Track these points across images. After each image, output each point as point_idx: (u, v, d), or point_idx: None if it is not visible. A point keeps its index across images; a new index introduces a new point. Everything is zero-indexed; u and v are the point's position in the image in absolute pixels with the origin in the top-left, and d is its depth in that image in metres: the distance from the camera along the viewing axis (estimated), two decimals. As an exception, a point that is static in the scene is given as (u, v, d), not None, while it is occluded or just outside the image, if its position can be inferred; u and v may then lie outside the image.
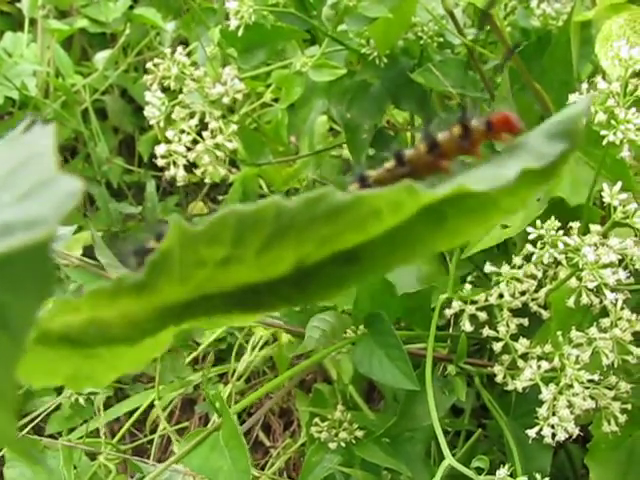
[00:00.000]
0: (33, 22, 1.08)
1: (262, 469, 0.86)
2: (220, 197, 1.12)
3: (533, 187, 0.21)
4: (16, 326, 0.16)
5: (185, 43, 0.98)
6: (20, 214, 0.16)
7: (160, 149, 0.60)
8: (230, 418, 0.48)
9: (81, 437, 0.74)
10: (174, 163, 0.60)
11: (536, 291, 0.55)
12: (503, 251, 0.69)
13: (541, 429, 0.50)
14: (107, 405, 0.92)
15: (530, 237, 0.51)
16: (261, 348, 0.88)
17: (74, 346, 0.19)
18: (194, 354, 0.73)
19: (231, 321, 0.21)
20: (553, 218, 0.51)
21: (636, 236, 0.53)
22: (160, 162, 0.60)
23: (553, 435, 0.50)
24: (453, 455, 0.69)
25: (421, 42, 0.68)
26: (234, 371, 0.88)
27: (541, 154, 0.21)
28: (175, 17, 1.15)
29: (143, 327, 0.19)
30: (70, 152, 1.22)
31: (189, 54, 0.88)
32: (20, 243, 0.15)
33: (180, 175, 0.60)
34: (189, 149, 0.62)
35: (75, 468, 0.69)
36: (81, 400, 0.62)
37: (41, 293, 0.16)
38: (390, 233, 0.19)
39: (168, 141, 0.60)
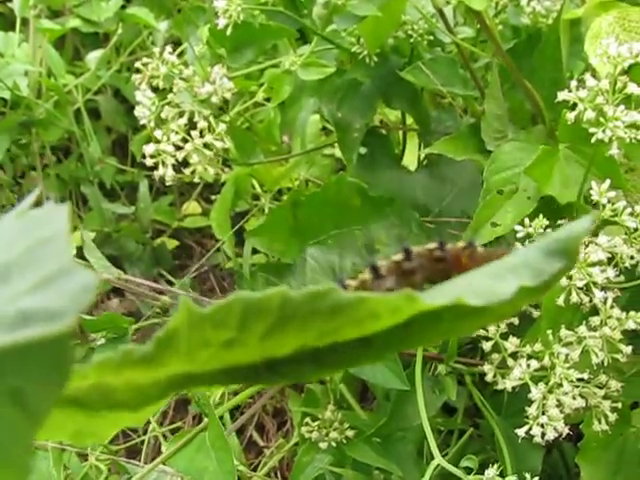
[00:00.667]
0: (25, 22, 1.08)
1: (255, 469, 0.86)
2: (213, 197, 1.12)
3: (528, 299, 0.22)
4: (34, 410, 0.17)
5: (178, 43, 0.98)
6: (38, 304, 0.17)
7: (148, 149, 0.60)
8: (216, 419, 0.48)
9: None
10: (163, 163, 0.60)
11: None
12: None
13: (530, 428, 0.50)
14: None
15: (518, 235, 0.51)
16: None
17: (80, 407, 0.20)
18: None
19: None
20: (541, 216, 0.51)
21: (626, 234, 0.52)
22: (149, 162, 0.60)
23: (543, 434, 0.50)
24: (445, 454, 0.69)
25: (411, 40, 0.67)
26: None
27: (539, 271, 0.21)
28: (168, 17, 1.15)
29: (147, 394, 0.20)
30: (63, 152, 1.22)
31: (181, 54, 0.88)
32: (41, 334, 0.16)
33: (169, 175, 0.59)
34: (179, 148, 0.62)
35: (67, 469, 0.69)
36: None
37: (60, 380, 0.17)
38: (387, 331, 0.20)
39: (157, 141, 0.60)
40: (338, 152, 0.89)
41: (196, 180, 0.63)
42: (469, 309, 0.20)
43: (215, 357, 0.20)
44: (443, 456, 0.61)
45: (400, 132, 0.82)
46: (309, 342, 0.20)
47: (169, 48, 0.63)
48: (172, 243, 1.14)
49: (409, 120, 0.81)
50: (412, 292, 0.19)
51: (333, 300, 0.18)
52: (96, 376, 0.19)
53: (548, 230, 0.51)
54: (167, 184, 0.84)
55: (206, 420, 0.50)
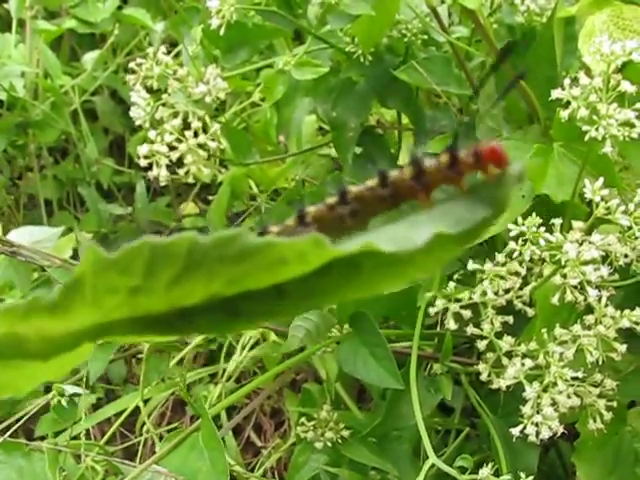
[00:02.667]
0: (21, 23, 1.08)
1: (253, 469, 0.85)
2: (211, 197, 1.12)
3: (449, 249, 0.20)
4: None
5: (175, 44, 0.98)
6: None
7: (142, 149, 0.60)
8: (209, 419, 0.48)
9: (72, 438, 0.73)
10: (157, 163, 0.60)
11: (521, 288, 0.55)
12: (491, 248, 0.69)
13: (525, 427, 0.50)
14: (99, 407, 0.92)
15: (511, 234, 0.51)
16: (251, 348, 0.88)
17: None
18: (181, 354, 0.73)
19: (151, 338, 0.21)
20: (534, 215, 0.51)
21: (621, 233, 0.52)
22: (143, 162, 0.60)
23: (537, 433, 0.50)
24: (442, 454, 0.69)
25: (405, 40, 0.67)
26: (224, 371, 0.88)
27: (460, 219, 0.20)
28: (164, 17, 1.15)
29: (58, 344, 0.20)
30: (61, 153, 1.22)
31: (178, 55, 0.87)
32: None
33: (163, 175, 0.59)
34: (174, 149, 0.62)
35: (64, 470, 0.69)
36: (63, 402, 0.62)
37: None
38: (303, 278, 0.19)
39: (151, 141, 0.60)
40: (334, 152, 0.89)
41: (191, 181, 0.63)
42: (386, 258, 0.19)
43: (123, 305, 0.19)
44: (440, 456, 0.61)
45: (396, 132, 0.82)
46: (219, 290, 0.19)
47: (163, 48, 0.63)
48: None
49: (405, 120, 0.81)
50: (319, 237, 0.18)
51: (241, 245, 0.18)
52: (5, 324, 0.19)
53: (542, 229, 0.51)
54: (163, 185, 0.84)
55: (200, 420, 0.50)
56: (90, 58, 1.12)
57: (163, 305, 0.19)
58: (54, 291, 0.18)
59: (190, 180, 0.64)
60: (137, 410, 0.86)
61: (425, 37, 0.68)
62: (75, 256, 0.76)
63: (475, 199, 0.22)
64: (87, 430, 0.92)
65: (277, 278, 0.19)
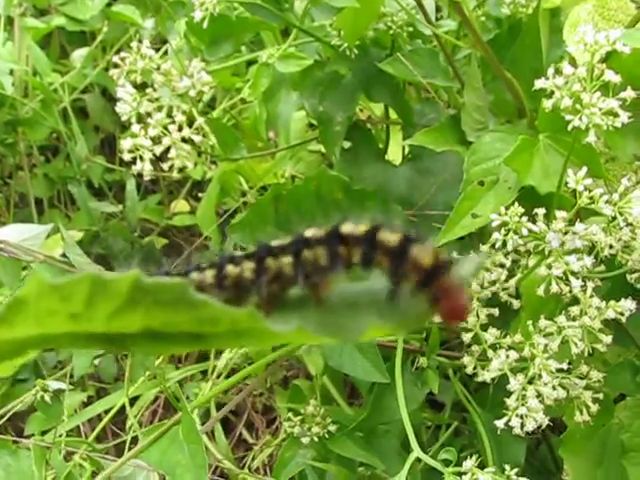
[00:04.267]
0: (10, 20, 1.08)
1: (244, 466, 0.85)
2: (202, 194, 1.12)
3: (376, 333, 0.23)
4: None
5: (165, 41, 0.98)
6: None
7: (126, 143, 0.59)
8: (189, 413, 0.47)
9: (60, 436, 0.73)
10: (141, 157, 0.59)
11: (507, 280, 0.55)
12: (479, 241, 0.68)
13: (509, 419, 0.50)
14: (89, 404, 0.92)
15: (494, 224, 0.51)
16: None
17: None
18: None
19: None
20: (517, 205, 0.51)
21: (606, 224, 0.52)
22: (127, 157, 0.60)
23: (522, 425, 0.49)
24: (431, 448, 0.69)
25: (391, 32, 0.67)
26: (214, 368, 0.88)
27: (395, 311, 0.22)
28: (154, 14, 1.14)
29: (3, 350, 0.22)
30: (51, 152, 1.21)
31: (167, 52, 0.87)
32: None
33: (147, 169, 0.59)
34: (159, 143, 0.61)
35: (52, 468, 0.69)
36: (47, 398, 0.61)
37: None
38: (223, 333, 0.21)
39: (135, 135, 0.59)
40: (323, 148, 0.89)
41: (178, 175, 0.63)
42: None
43: (63, 325, 0.21)
44: (430, 451, 0.61)
45: (384, 126, 0.81)
46: (153, 326, 0.21)
47: (147, 42, 0.63)
48: (161, 241, 1.13)
49: (393, 115, 0.81)
50: (255, 313, 0.19)
51: (182, 297, 0.19)
52: None
53: (524, 218, 0.50)
54: (154, 181, 0.84)
55: (180, 414, 0.49)
56: (79, 55, 1.12)
57: (101, 330, 0.21)
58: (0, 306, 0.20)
59: (177, 176, 0.63)
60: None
61: (411, 30, 0.68)
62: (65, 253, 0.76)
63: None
64: (78, 428, 0.92)
65: (205, 330, 0.21)
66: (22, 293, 0.20)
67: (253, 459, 0.85)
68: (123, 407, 0.83)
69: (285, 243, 0.25)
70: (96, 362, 0.94)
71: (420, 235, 0.24)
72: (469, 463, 0.48)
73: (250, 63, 0.97)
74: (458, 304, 0.23)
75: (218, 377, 0.87)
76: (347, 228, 0.25)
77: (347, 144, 0.77)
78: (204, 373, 0.95)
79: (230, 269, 0.25)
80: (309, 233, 0.25)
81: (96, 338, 0.22)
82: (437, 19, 0.77)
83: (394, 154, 0.82)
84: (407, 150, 0.79)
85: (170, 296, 0.19)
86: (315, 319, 0.23)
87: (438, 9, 0.80)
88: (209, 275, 0.25)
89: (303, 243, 0.25)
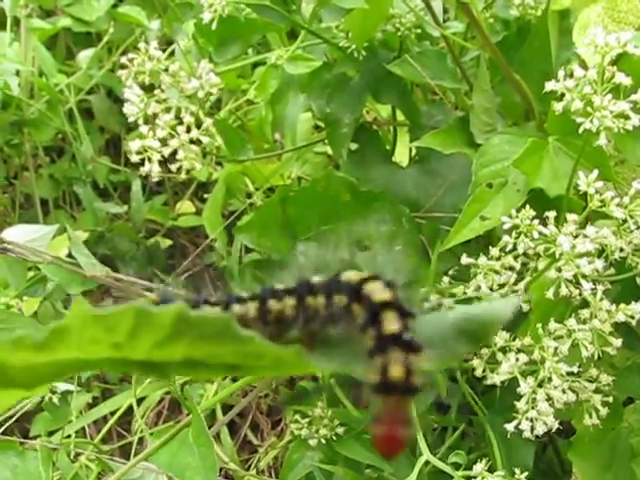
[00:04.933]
0: (16, 21, 1.08)
1: (249, 467, 0.85)
2: (207, 196, 1.11)
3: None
4: None
5: (171, 42, 0.98)
6: None
7: (134, 145, 0.59)
8: (199, 415, 0.47)
9: (67, 437, 0.73)
10: (149, 159, 0.59)
11: (516, 283, 0.54)
12: (487, 244, 0.68)
13: (520, 423, 0.50)
14: (95, 406, 0.92)
15: (505, 227, 0.51)
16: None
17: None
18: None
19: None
20: (528, 207, 0.50)
21: (617, 227, 0.52)
22: (135, 158, 0.59)
23: (532, 429, 0.49)
24: (438, 451, 0.69)
25: (399, 34, 0.67)
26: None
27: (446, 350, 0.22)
28: (160, 16, 1.14)
29: (41, 373, 0.22)
30: (56, 152, 1.21)
31: (173, 53, 0.87)
32: None
33: (155, 171, 0.59)
34: (166, 145, 0.61)
35: (58, 469, 0.69)
36: (55, 400, 0.61)
37: None
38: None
39: (143, 136, 0.59)
40: (330, 149, 0.89)
41: (184, 176, 0.62)
42: None
43: (105, 352, 0.21)
44: (437, 453, 0.61)
45: (391, 128, 0.81)
46: (194, 356, 0.21)
47: (155, 44, 0.63)
48: (166, 242, 1.13)
49: (400, 116, 0.81)
50: (301, 352, 0.20)
51: (226, 331, 0.19)
52: None
53: (536, 221, 0.50)
54: (160, 182, 0.83)
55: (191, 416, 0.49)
56: (85, 56, 1.12)
57: (143, 358, 0.21)
58: (42, 331, 0.20)
59: (183, 177, 0.63)
60: (133, 409, 0.86)
61: (419, 31, 0.67)
62: (71, 255, 0.76)
63: (460, 329, 0.23)
64: (84, 429, 0.92)
65: (247, 363, 0.21)
66: (65, 322, 0.20)
67: (258, 461, 0.85)
68: (128, 408, 0.83)
69: (323, 282, 0.25)
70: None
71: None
72: (479, 467, 0.48)
73: (255, 65, 0.97)
74: (396, 436, 0.21)
75: (224, 379, 0.87)
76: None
77: (354, 146, 0.77)
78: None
79: (272, 304, 0.25)
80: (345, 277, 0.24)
81: (136, 365, 0.22)
82: (444, 21, 0.77)
83: (401, 156, 0.82)
84: (414, 152, 0.79)
85: (214, 330, 0.20)
86: (354, 354, 0.22)
87: (445, 11, 0.80)
88: (252, 308, 0.25)
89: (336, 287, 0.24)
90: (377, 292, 0.23)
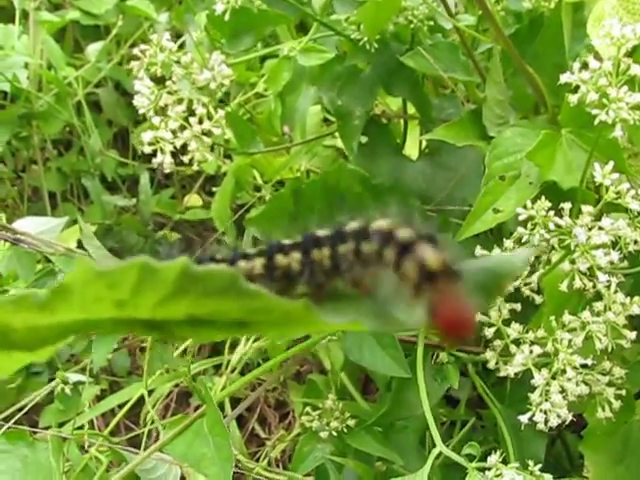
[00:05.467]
0: (25, 14, 1.08)
1: (257, 461, 0.85)
2: (215, 189, 1.11)
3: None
4: None
5: (179, 35, 0.98)
6: None
7: (147, 136, 0.59)
8: (214, 405, 0.47)
9: (78, 428, 0.73)
10: (161, 150, 0.59)
11: (529, 276, 0.54)
12: (498, 237, 0.68)
13: (533, 415, 0.50)
14: (103, 399, 0.92)
15: (520, 218, 0.51)
16: (255, 340, 0.87)
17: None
18: (185, 344, 0.72)
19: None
20: (543, 198, 0.50)
21: (630, 219, 0.52)
22: (147, 149, 0.59)
23: (545, 421, 0.49)
24: (448, 445, 0.69)
25: (412, 26, 0.67)
26: (228, 362, 0.88)
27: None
28: (168, 8, 1.14)
29: (44, 336, 0.21)
30: (64, 145, 1.21)
31: (181, 46, 0.87)
32: None
33: (167, 162, 0.59)
34: (177, 136, 0.61)
35: (68, 460, 0.69)
36: (67, 390, 0.61)
37: None
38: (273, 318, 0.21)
39: (155, 128, 0.59)
40: (340, 143, 0.88)
41: (195, 168, 0.62)
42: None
43: (108, 311, 0.20)
44: (447, 447, 0.61)
45: (402, 121, 0.81)
46: (199, 313, 0.21)
47: (167, 35, 0.63)
48: (173, 236, 1.13)
49: (411, 109, 0.80)
50: (310, 306, 0.19)
51: (232, 286, 0.19)
52: None
53: (551, 213, 0.50)
54: (167, 175, 0.83)
55: (204, 407, 0.49)
56: (94, 50, 1.12)
57: (146, 316, 0.21)
58: (43, 291, 0.20)
59: (192, 170, 0.63)
60: (141, 402, 0.86)
61: (431, 23, 0.67)
62: (80, 247, 0.76)
63: (476, 281, 0.22)
64: (91, 422, 0.92)
65: (253, 318, 0.21)
66: (67, 279, 0.19)
67: (266, 454, 0.85)
68: (136, 401, 0.83)
69: (329, 234, 0.25)
70: (109, 356, 0.94)
71: (434, 235, 0.23)
72: (493, 458, 0.48)
73: (263, 58, 0.97)
74: (461, 318, 0.21)
75: (232, 372, 0.87)
76: (380, 225, 0.24)
77: (364, 139, 0.76)
78: (217, 367, 0.95)
79: (279, 259, 0.25)
80: (349, 227, 0.25)
81: (140, 324, 0.22)
82: (456, 13, 0.77)
83: (410, 149, 0.81)
84: (424, 145, 0.79)
85: (220, 285, 0.19)
86: (364, 309, 0.22)
87: (456, 3, 0.80)
88: (258, 264, 0.25)
89: (343, 237, 0.25)
90: (405, 233, 0.23)
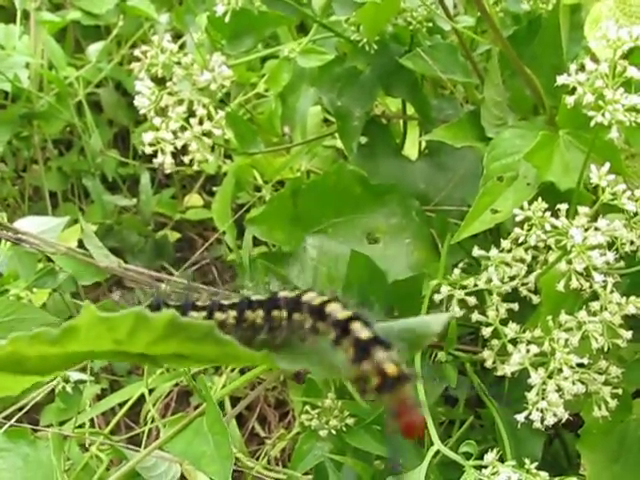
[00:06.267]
0: (26, 14, 1.08)
1: (257, 460, 0.86)
2: (215, 189, 1.12)
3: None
4: None
5: (179, 36, 0.98)
6: None
7: (147, 137, 0.60)
8: (214, 403, 0.48)
9: (78, 427, 0.73)
10: (162, 150, 0.60)
11: (526, 276, 0.55)
12: (496, 238, 0.69)
13: (530, 414, 0.50)
14: (103, 398, 0.92)
15: (517, 219, 0.51)
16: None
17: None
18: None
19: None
20: (540, 199, 0.51)
21: (626, 220, 0.52)
22: (148, 150, 0.60)
23: (542, 419, 0.50)
24: (446, 444, 0.69)
25: (411, 28, 0.67)
26: (228, 362, 0.88)
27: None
28: (169, 9, 1.15)
29: (54, 363, 0.26)
30: (65, 145, 1.22)
31: (182, 46, 0.87)
32: None
33: (168, 162, 0.59)
34: (178, 137, 0.62)
35: (69, 459, 0.69)
36: (68, 389, 0.62)
37: None
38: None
39: (156, 128, 0.60)
40: (339, 143, 0.89)
41: (196, 168, 0.63)
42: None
43: (108, 346, 0.25)
44: (445, 446, 0.61)
45: (401, 122, 0.81)
46: (184, 353, 0.26)
47: (168, 36, 0.63)
48: (174, 235, 1.14)
49: (410, 110, 0.81)
50: (269, 355, 0.26)
51: (209, 335, 0.24)
52: (13, 346, 0.25)
53: (547, 214, 0.51)
54: (168, 175, 0.83)
55: (204, 405, 0.50)
56: (94, 50, 1.12)
57: (139, 351, 0.26)
58: (55, 330, 0.24)
59: (192, 170, 0.64)
60: (141, 401, 0.86)
61: (430, 25, 0.68)
62: (81, 246, 0.76)
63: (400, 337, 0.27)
64: (92, 421, 0.92)
65: (225, 362, 0.27)
66: (75, 322, 0.24)
67: (266, 453, 0.86)
68: (136, 400, 0.84)
69: (288, 299, 0.30)
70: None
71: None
72: (490, 456, 0.48)
73: (264, 59, 0.97)
74: (416, 419, 0.25)
75: (232, 371, 0.87)
76: (330, 308, 0.29)
77: (363, 139, 0.77)
78: (216, 368, 0.95)
79: (248, 314, 0.30)
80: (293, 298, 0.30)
81: (135, 357, 0.27)
82: (455, 15, 0.77)
83: (410, 150, 0.82)
84: (423, 146, 0.79)
85: (199, 333, 0.24)
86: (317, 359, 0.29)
87: (455, 5, 0.80)
88: (230, 316, 0.31)
89: (294, 305, 0.30)
90: (339, 311, 0.28)
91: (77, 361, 0.28)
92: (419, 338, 0.28)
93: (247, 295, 0.31)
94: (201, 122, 0.60)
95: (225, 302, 0.31)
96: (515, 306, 0.55)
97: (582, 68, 0.51)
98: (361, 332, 0.26)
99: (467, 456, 0.50)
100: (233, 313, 0.31)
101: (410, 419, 0.25)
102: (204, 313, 0.31)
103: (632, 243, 0.51)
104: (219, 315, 0.31)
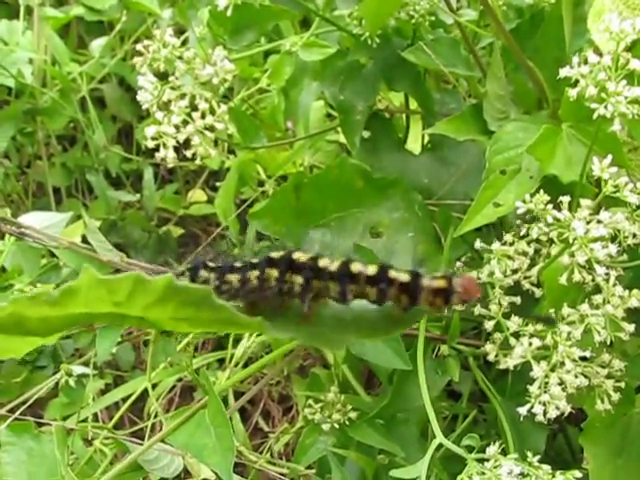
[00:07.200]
0: (29, 10, 1.08)
1: (261, 454, 0.86)
2: (219, 184, 1.12)
3: None
4: None
5: (182, 31, 0.98)
6: None
7: (150, 131, 0.60)
8: (216, 396, 0.48)
9: (82, 421, 0.74)
10: (164, 145, 0.60)
11: (529, 269, 0.55)
12: (499, 231, 0.69)
13: (532, 407, 0.50)
14: (106, 392, 0.93)
15: (519, 211, 0.51)
16: (258, 334, 0.88)
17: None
18: (188, 338, 0.73)
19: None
20: (542, 192, 0.51)
21: (629, 212, 0.52)
22: (150, 144, 0.60)
23: (544, 413, 0.50)
24: (449, 437, 0.69)
25: (413, 21, 0.67)
26: (232, 356, 0.88)
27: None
28: (172, 4, 1.15)
29: (54, 325, 0.27)
30: (69, 141, 1.22)
31: (185, 41, 0.87)
32: None
33: (170, 157, 0.59)
34: (180, 131, 0.62)
35: (72, 453, 0.69)
36: (72, 383, 0.62)
37: None
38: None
39: (158, 123, 0.60)
40: (342, 137, 0.89)
41: (198, 163, 0.63)
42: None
43: (107, 308, 0.26)
44: (448, 440, 0.61)
45: (404, 116, 0.81)
46: (177, 316, 0.26)
47: (170, 31, 0.63)
48: (177, 231, 1.14)
49: (413, 104, 0.81)
50: (263, 323, 0.27)
51: (207, 300, 0.25)
52: (13, 307, 0.25)
53: (549, 206, 0.51)
54: (171, 170, 0.83)
55: (207, 398, 0.50)
56: (98, 45, 1.12)
57: (137, 314, 0.26)
58: (55, 291, 0.25)
59: (195, 165, 0.64)
60: (145, 396, 0.86)
61: (433, 19, 0.68)
62: (84, 241, 0.76)
63: None
64: (96, 415, 0.92)
65: (224, 329, 0.29)
66: (74, 284, 0.25)
67: (270, 447, 0.86)
68: (140, 395, 0.84)
69: (305, 261, 0.34)
70: (114, 350, 0.95)
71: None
72: (492, 449, 0.48)
73: (267, 53, 0.97)
74: (472, 283, 0.34)
75: (236, 365, 0.87)
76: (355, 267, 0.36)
77: (366, 133, 0.77)
78: (220, 361, 0.95)
79: (288, 275, 0.33)
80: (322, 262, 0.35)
81: (132, 319, 0.27)
82: (457, 8, 0.77)
83: (413, 143, 0.82)
84: (426, 139, 0.79)
85: (196, 298, 0.25)
86: (307, 330, 0.32)
87: (457, -1, 0.80)
88: (273, 276, 0.33)
89: (312, 270, 0.34)
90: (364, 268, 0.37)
91: (76, 323, 0.28)
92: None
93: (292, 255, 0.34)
94: (203, 116, 0.60)
95: (270, 259, 0.33)
96: (517, 299, 0.54)
97: (585, 61, 0.51)
98: (399, 277, 0.33)
99: (470, 449, 0.50)
100: (275, 273, 0.32)
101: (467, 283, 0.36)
102: (239, 275, 0.32)
103: (635, 236, 0.51)
104: (260, 274, 0.33)
